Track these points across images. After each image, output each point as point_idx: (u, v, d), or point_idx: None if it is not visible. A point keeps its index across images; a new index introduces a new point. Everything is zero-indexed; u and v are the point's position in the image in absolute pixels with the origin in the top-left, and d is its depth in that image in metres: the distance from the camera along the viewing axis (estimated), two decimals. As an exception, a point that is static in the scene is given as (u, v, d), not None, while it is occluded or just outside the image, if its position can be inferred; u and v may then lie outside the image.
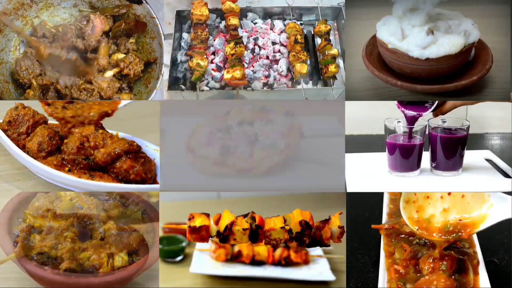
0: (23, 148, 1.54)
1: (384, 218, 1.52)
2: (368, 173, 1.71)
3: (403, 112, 1.66)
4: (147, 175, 1.53)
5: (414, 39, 1.62)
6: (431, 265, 1.27)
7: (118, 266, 1.41)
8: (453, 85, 1.65)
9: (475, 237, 1.41)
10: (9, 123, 1.60)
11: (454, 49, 1.61)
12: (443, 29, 1.63)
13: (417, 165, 1.70)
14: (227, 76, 1.80)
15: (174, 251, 1.72)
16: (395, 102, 1.67)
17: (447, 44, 1.61)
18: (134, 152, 1.53)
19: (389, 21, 1.68)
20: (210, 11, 2.04)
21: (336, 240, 1.41)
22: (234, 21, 1.95)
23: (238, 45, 1.87)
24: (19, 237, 1.44)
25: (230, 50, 1.85)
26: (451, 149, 1.67)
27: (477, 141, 2.28)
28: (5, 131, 1.58)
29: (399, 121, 1.69)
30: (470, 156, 1.76)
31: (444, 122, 1.70)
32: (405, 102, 1.65)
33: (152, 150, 1.62)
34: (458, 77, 1.67)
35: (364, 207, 1.72)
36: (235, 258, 1.68)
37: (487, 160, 1.82)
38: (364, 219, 1.66)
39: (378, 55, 1.74)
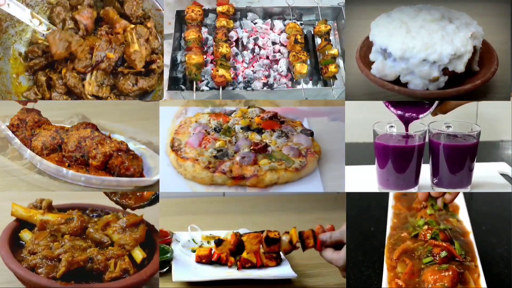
0: (29, 146, 1.67)
1: (388, 231, 1.50)
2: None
3: (397, 115, 1.46)
4: (135, 170, 1.60)
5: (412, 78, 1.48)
6: (435, 278, 1.23)
7: (138, 261, 1.32)
8: (455, 90, 1.51)
9: (476, 251, 1.38)
10: (17, 126, 1.73)
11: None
12: (451, 31, 1.51)
13: (414, 181, 1.49)
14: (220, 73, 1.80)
15: (160, 262, 1.66)
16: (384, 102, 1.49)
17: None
18: (124, 150, 1.62)
19: (383, 22, 1.58)
20: (210, 11, 2.04)
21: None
22: (222, 22, 1.95)
23: (223, 46, 1.86)
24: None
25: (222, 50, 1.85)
26: (457, 161, 1.45)
27: (490, 150, 2.02)
28: (13, 132, 1.71)
29: (391, 126, 1.51)
30: (481, 170, 1.55)
31: (448, 127, 1.51)
32: (396, 102, 1.47)
33: (140, 148, 1.72)
34: (461, 80, 1.54)
35: (368, 220, 1.69)
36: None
37: (503, 174, 1.62)
38: (369, 232, 1.64)
39: None
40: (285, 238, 1.45)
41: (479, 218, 1.63)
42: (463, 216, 1.57)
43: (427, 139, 1.50)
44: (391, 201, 1.66)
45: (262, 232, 1.49)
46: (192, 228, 1.77)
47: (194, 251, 1.66)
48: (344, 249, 1.37)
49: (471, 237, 1.46)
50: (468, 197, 1.64)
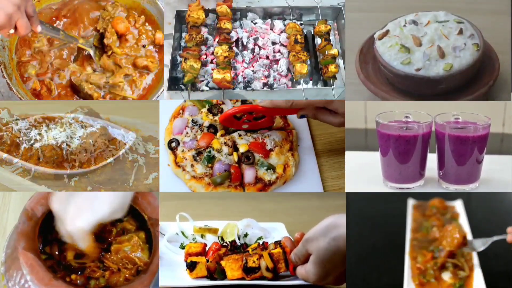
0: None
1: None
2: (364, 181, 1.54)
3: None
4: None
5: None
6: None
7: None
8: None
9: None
10: None
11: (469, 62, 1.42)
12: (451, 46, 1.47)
13: (419, 173, 1.42)
14: (217, 76, 1.79)
15: None
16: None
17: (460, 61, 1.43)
18: None
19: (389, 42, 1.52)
20: (210, 11, 2.04)
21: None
22: (228, 25, 1.94)
23: (230, 50, 1.86)
24: None
25: (223, 53, 1.84)
26: (463, 153, 1.32)
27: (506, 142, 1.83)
28: None
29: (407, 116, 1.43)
30: (492, 163, 1.45)
31: (457, 118, 1.41)
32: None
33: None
34: (463, 87, 1.50)
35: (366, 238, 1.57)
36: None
37: None
38: (368, 249, 1.51)
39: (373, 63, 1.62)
40: (264, 264, 1.27)
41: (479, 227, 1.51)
42: (463, 224, 1.54)
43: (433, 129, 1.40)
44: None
45: (244, 252, 1.32)
46: (182, 218, 1.53)
47: (183, 247, 1.43)
48: (311, 261, 1.22)
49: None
50: (467, 205, 1.57)
